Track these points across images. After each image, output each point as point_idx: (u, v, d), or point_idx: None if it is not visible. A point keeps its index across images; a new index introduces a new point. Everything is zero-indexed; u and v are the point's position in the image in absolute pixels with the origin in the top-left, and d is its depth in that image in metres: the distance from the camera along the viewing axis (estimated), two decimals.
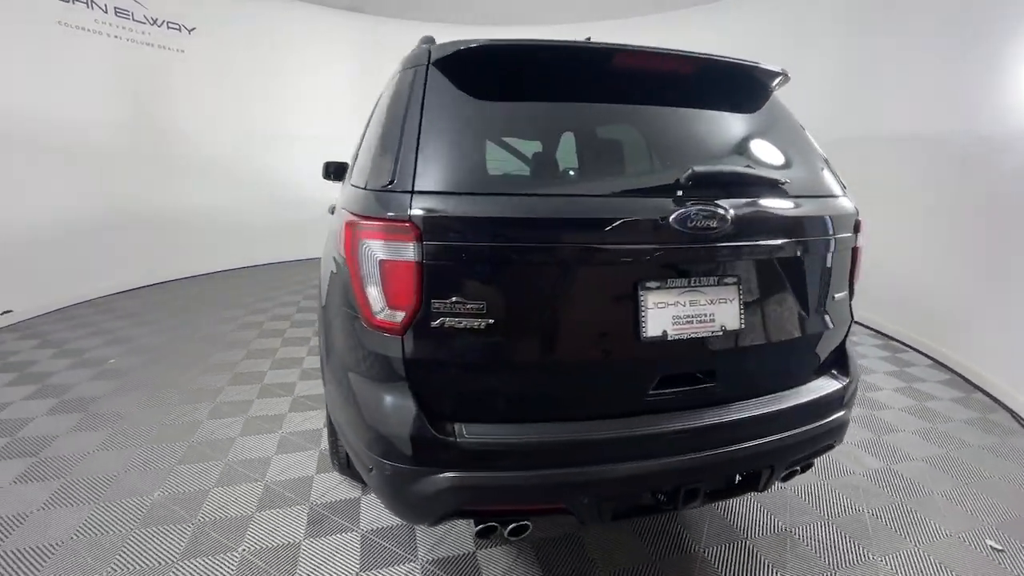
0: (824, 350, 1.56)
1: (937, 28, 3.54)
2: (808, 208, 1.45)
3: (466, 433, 1.21)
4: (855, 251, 1.55)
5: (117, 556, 1.63)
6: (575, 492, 1.25)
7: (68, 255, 4.19)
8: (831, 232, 1.47)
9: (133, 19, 4.69)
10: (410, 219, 1.14)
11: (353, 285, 1.24)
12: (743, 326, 1.34)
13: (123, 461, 2.12)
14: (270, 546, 1.69)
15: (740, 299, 1.34)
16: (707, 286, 1.31)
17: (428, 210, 1.15)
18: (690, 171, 1.27)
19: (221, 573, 1.57)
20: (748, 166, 1.48)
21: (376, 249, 1.18)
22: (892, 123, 3.90)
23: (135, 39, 4.72)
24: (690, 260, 1.29)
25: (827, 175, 1.56)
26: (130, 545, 1.67)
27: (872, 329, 4.04)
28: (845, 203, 1.53)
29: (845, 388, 1.53)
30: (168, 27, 4.95)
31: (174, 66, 5.03)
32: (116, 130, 4.57)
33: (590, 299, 1.25)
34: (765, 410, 1.38)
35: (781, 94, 1.66)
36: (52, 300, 4.10)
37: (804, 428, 1.42)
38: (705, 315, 1.31)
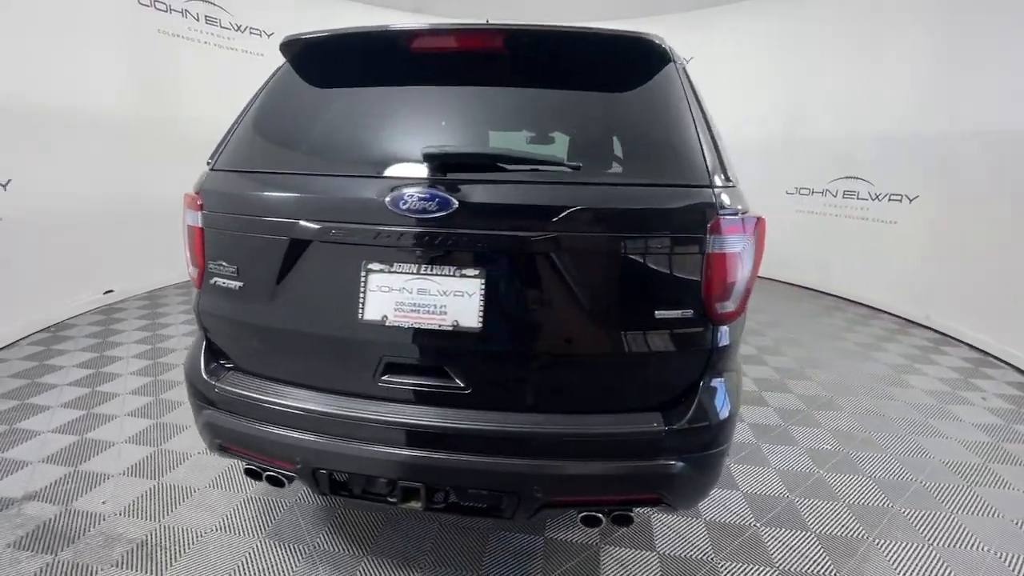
0: (643, 379, 1.29)
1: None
2: (611, 198, 1.19)
3: (223, 380, 1.41)
4: (713, 258, 1.19)
5: None
6: (300, 455, 1.31)
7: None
8: (650, 230, 1.17)
9: (220, 26, 5.06)
10: (198, 191, 1.39)
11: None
12: (482, 326, 1.19)
13: None
14: None
15: (483, 296, 1.19)
16: (442, 276, 1.20)
17: (209, 185, 1.39)
18: (422, 152, 1.21)
19: None
20: (545, 148, 1.31)
21: (185, 215, 1.43)
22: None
23: (222, 44, 5.09)
24: (417, 246, 1.19)
25: (685, 161, 1.23)
26: None
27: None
28: (697, 195, 1.19)
29: (662, 433, 1.22)
30: (251, 32, 5.31)
31: (255, 68, 5.38)
32: (210, 127, 4.95)
33: (322, 275, 1.27)
34: (515, 428, 1.22)
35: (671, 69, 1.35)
36: (148, 282, 4.54)
37: (579, 464, 1.23)
38: (435, 306, 1.21)
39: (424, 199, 1.16)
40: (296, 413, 1.31)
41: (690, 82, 1.38)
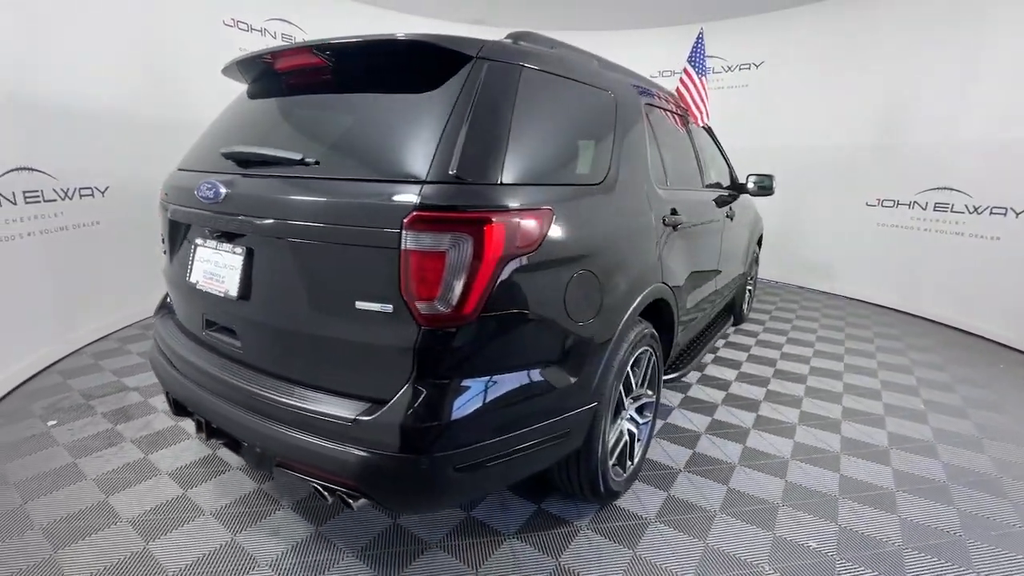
0: (347, 365, 1.34)
1: None
2: (323, 192, 1.32)
3: (158, 315, 2.03)
4: (410, 256, 1.18)
5: None
6: (165, 380, 1.77)
7: None
8: (352, 223, 1.23)
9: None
10: (163, 187, 1.92)
11: None
12: (239, 296, 1.48)
13: None
14: None
15: (242, 270, 1.47)
16: (224, 251, 1.53)
17: (167, 181, 1.86)
18: (219, 151, 1.59)
19: None
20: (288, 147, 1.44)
21: None
22: None
23: None
24: (207, 225, 1.58)
25: (406, 158, 1.27)
26: None
27: None
28: (399, 191, 1.21)
29: (350, 422, 1.25)
30: None
31: None
32: None
33: (184, 245, 1.72)
34: (252, 388, 1.44)
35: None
36: None
37: (286, 431, 1.35)
38: (220, 276, 1.54)
39: (208, 188, 1.49)
40: (169, 349, 1.77)
41: (490, 80, 1.38)
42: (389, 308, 1.23)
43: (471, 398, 1.30)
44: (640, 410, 2.12)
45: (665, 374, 2.43)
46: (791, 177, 5.22)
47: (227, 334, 1.59)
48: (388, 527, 1.83)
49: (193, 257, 1.65)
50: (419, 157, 1.27)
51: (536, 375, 1.44)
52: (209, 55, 4.46)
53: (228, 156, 1.56)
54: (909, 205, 4.90)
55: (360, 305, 1.26)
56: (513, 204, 1.32)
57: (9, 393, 2.79)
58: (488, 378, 1.34)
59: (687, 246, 2.41)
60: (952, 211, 4.54)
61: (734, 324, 4.25)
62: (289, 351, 1.46)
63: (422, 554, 1.72)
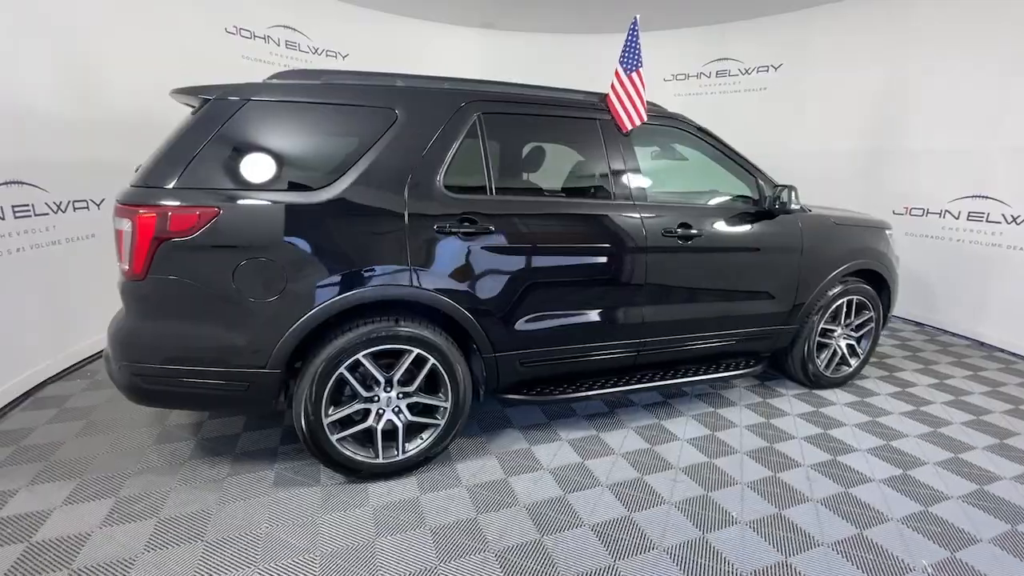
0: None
1: None
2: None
3: None
4: (115, 232, 1.92)
5: None
6: None
7: None
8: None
9: (299, 49, 5.26)
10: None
11: None
12: None
13: None
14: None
15: None
16: None
17: None
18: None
19: None
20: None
21: None
22: None
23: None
24: None
25: (149, 165, 1.94)
26: None
27: None
28: (123, 191, 1.93)
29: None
30: (327, 55, 5.49)
31: None
32: None
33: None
34: None
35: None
36: None
37: None
38: None
39: None
40: None
41: (207, 113, 1.98)
42: (125, 267, 1.90)
43: (145, 330, 1.96)
44: (416, 409, 2.27)
45: (501, 391, 2.49)
46: (812, 184, 4.96)
47: None
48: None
49: None
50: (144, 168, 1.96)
51: (204, 329, 1.93)
52: (212, 65, 4.41)
53: None
54: (940, 214, 4.61)
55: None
56: (170, 203, 1.85)
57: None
58: (155, 321, 1.94)
59: (514, 257, 2.31)
60: (988, 221, 4.25)
61: (811, 386, 3.28)
62: None
63: None
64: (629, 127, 2.60)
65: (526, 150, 2.91)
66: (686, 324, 2.73)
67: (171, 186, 1.87)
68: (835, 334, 3.25)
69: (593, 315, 2.52)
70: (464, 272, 2.20)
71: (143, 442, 2.48)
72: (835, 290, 3.10)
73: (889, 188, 4.97)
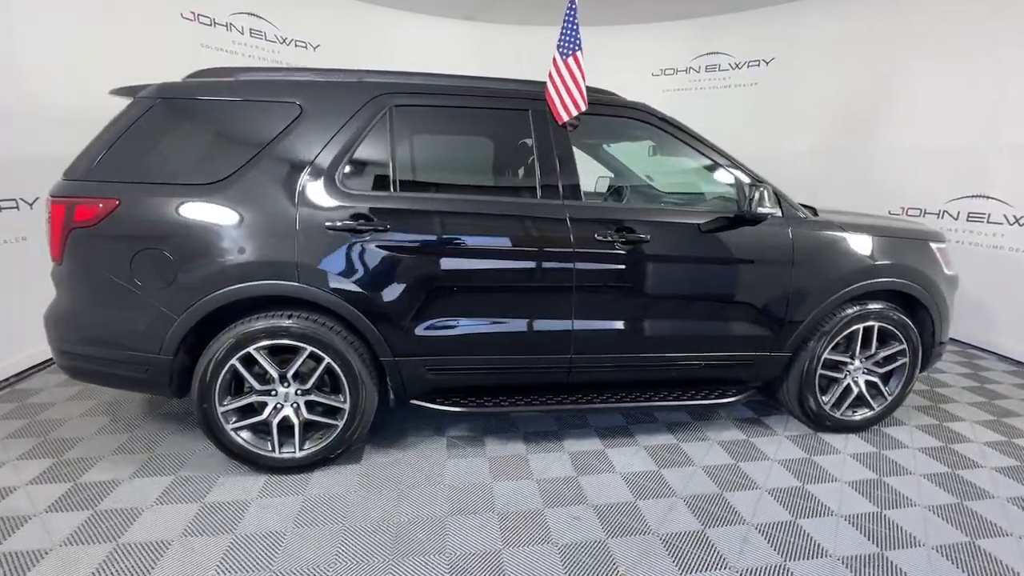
0: None
1: None
2: None
3: None
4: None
5: None
6: None
7: None
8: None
9: (265, 39, 4.94)
10: None
11: None
12: None
13: None
14: None
15: None
16: None
17: None
18: None
19: None
20: None
21: None
22: None
23: (266, 58, 4.96)
24: None
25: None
26: None
27: None
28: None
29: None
30: (296, 45, 5.17)
31: None
32: None
33: None
34: None
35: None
36: None
37: None
38: None
39: None
40: None
41: (126, 112, 2.12)
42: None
43: (65, 311, 2.14)
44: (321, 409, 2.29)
45: (413, 397, 2.36)
46: (807, 183, 4.75)
47: None
48: None
49: None
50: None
51: (110, 313, 2.07)
52: (164, 54, 4.09)
53: None
54: (938, 214, 4.42)
55: None
56: (79, 195, 2.01)
57: None
58: (72, 304, 2.12)
59: (413, 258, 2.18)
60: (988, 222, 4.07)
61: (814, 427, 2.78)
62: None
63: None
64: (565, 117, 2.32)
65: (444, 145, 2.81)
66: (629, 342, 2.40)
67: (83, 179, 2.04)
68: (850, 367, 2.68)
69: (508, 325, 2.29)
70: (356, 272, 2.12)
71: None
72: (846, 313, 2.55)
73: (885, 187, 4.77)
